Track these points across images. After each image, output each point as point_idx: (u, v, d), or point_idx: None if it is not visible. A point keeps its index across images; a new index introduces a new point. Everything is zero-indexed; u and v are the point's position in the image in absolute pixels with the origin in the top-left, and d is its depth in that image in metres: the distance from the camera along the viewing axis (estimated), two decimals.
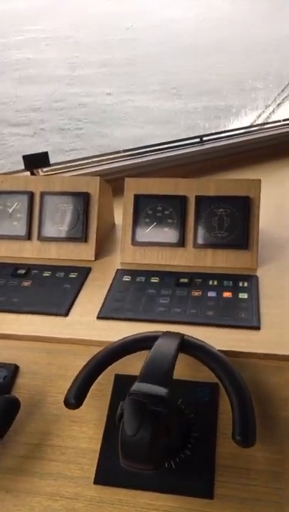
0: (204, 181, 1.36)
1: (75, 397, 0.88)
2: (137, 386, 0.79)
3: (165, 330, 0.99)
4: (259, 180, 1.32)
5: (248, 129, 2.04)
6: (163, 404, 0.77)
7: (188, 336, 0.96)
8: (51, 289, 1.25)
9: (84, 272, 1.32)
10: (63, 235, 1.39)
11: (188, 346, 0.94)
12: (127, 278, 1.28)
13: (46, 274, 1.32)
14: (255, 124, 2.06)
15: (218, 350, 0.94)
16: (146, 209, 1.36)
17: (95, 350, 0.98)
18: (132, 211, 1.36)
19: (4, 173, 1.68)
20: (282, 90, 2.18)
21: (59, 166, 1.75)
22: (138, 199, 1.37)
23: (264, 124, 2.08)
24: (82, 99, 7.68)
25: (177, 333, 0.96)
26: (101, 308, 1.17)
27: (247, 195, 1.32)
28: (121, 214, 1.40)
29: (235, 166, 1.95)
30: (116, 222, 1.57)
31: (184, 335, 0.95)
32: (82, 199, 1.39)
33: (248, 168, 1.95)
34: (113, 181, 1.78)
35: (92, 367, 0.92)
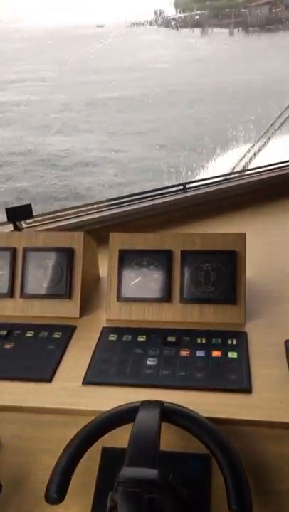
0: (189, 236, 1.35)
1: (58, 491, 0.82)
2: (125, 472, 0.75)
3: (154, 396, 0.96)
4: (244, 234, 1.32)
5: (229, 176, 2.07)
6: (156, 488, 0.73)
7: (169, 404, 0.92)
8: (34, 352, 1.21)
9: (68, 331, 1.28)
10: (47, 291, 1.35)
11: (171, 414, 0.91)
12: (113, 337, 1.24)
13: (29, 334, 1.27)
14: (236, 170, 2.09)
15: (205, 418, 0.90)
16: (131, 264, 1.34)
17: (82, 421, 0.93)
18: (116, 267, 1.34)
19: None
20: (261, 136, 2.24)
21: (42, 218, 1.73)
22: (123, 254, 1.35)
23: (244, 170, 2.12)
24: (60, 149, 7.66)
25: (157, 402, 0.92)
26: (86, 372, 1.13)
27: (233, 249, 1.31)
28: (105, 265, 1.38)
29: (219, 213, 1.95)
30: (100, 274, 1.54)
31: (163, 403, 0.92)
32: (66, 255, 1.36)
33: (231, 214, 1.96)
34: (98, 231, 1.77)
35: (73, 451, 0.87)
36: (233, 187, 2.02)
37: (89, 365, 1.15)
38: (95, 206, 1.82)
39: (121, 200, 1.86)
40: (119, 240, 1.36)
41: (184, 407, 0.92)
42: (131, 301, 1.32)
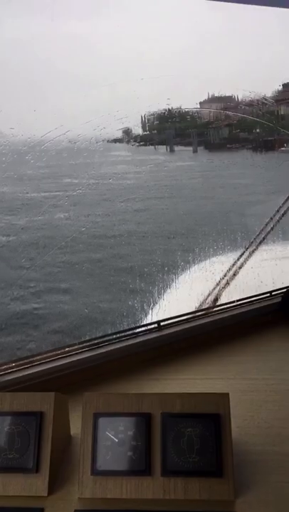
0: (169, 396, 1.26)
1: None
2: None
3: None
4: (227, 395, 1.24)
5: (205, 312, 2.04)
6: None
7: None
8: None
9: None
10: (11, 464, 1.20)
11: None
12: None
13: None
14: (212, 305, 2.08)
15: None
16: (107, 430, 1.23)
17: None
18: (91, 434, 1.22)
19: None
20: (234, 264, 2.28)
21: (9, 366, 1.61)
22: (98, 419, 1.23)
23: (218, 305, 2.11)
24: None
25: None
26: None
27: (216, 412, 1.22)
28: (76, 420, 1.26)
29: (195, 351, 1.89)
30: (72, 432, 1.40)
31: None
32: (35, 420, 1.24)
33: (208, 351, 1.89)
34: (70, 376, 1.66)
35: None
36: (209, 323, 1.99)
37: None
38: (66, 350, 1.72)
39: (94, 342, 1.77)
40: (94, 402, 1.25)
41: None
42: (107, 474, 1.18)
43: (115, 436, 1.22)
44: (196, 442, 1.20)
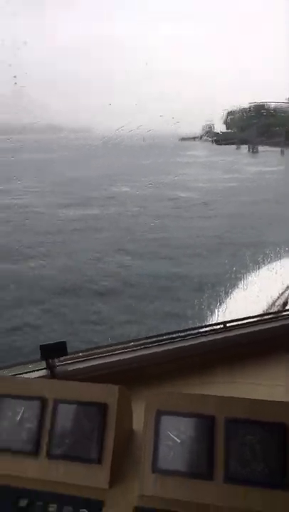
0: (234, 400, 1.22)
1: None
2: None
3: None
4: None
5: (274, 315, 1.97)
6: None
7: None
8: None
9: (95, 509, 1.13)
10: (75, 453, 1.23)
11: None
12: None
13: (52, 508, 1.13)
14: (282, 309, 2.00)
15: None
16: (169, 429, 1.21)
17: None
18: (153, 432, 1.22)
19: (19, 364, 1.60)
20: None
21: (75, 355, 1.65)
22: (160, 416, 1.23)
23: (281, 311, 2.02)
24: None
25: None
26: None
27: (282, 421, 1.17)
28: (138, 415, 1.26)
29: (264, 355, 1.83)
30: (134, 426, 1.41)
31: None
32: (98, 411, 1.25)
33: (273, 356, 1.83)
34: (133, 371, 1.67)
35: None
36: (277, 327, 1.92)
37: None
38: (131, 344, 1.74)
39: (157, 339, 1.77)
40: (157, 400, 1.25)
41: None
42: (168, 474, 1.17)
43: (177, 437, 1.20)
44: (260, 451, 1.15)
